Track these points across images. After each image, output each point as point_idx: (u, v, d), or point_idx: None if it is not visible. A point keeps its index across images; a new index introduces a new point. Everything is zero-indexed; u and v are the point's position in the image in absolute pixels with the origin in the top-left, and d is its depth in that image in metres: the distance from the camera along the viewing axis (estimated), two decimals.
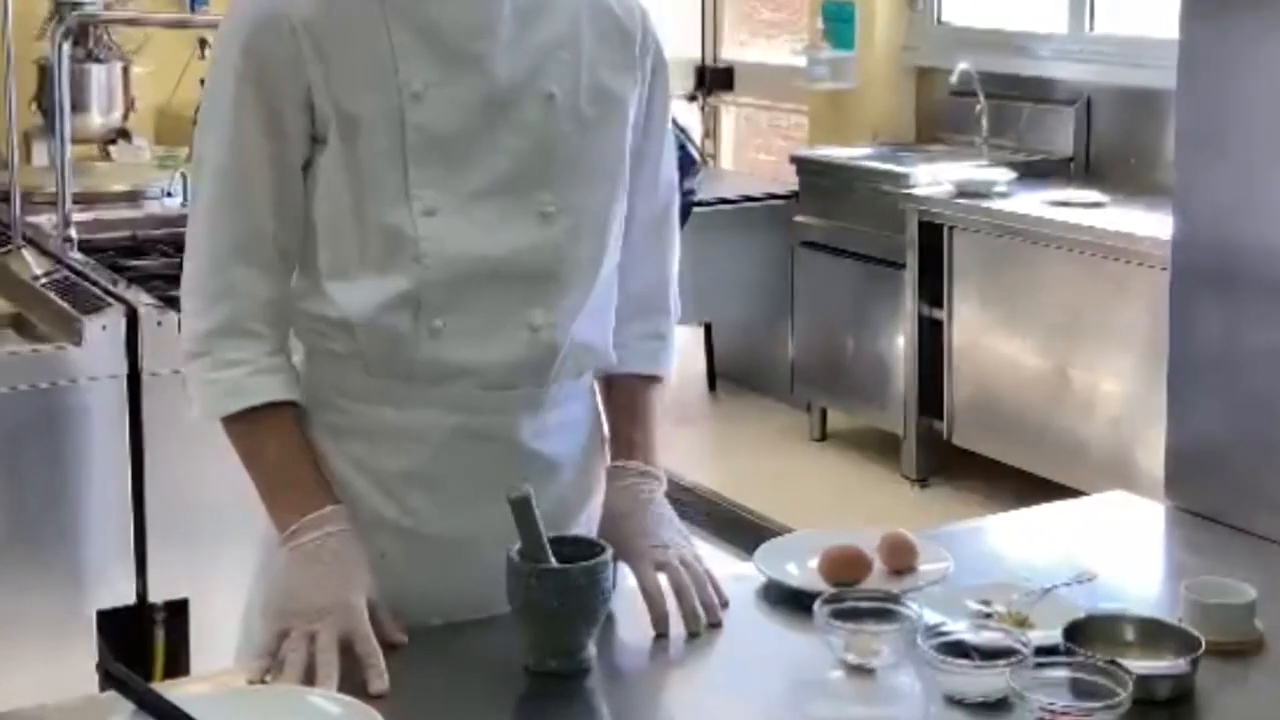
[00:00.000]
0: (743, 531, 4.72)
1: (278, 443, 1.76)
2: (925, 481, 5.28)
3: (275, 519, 1.74)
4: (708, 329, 6.43)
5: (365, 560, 1.72)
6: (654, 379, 1.94)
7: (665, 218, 1.95)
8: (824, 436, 5.82)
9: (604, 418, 1.92)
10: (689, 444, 5.69)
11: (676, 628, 1.76)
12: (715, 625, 1.78)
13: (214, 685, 1.70)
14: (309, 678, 1.61)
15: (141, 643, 3.12)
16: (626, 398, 1.92)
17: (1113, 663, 1.57)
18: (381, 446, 1.78)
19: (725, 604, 1.80)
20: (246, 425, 1.76)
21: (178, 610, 3.12)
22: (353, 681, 1.60)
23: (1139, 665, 1.59)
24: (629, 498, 1.85)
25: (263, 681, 1.63)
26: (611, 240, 1.84)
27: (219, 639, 2.01)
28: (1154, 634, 1.69)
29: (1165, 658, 1.64)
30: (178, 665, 3.10)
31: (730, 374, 6.53)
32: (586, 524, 1.86)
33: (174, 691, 1.56)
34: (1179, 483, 2.20)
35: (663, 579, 1.78)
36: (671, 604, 1.77)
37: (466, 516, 1.78)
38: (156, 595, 3.09)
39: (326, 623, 1.64)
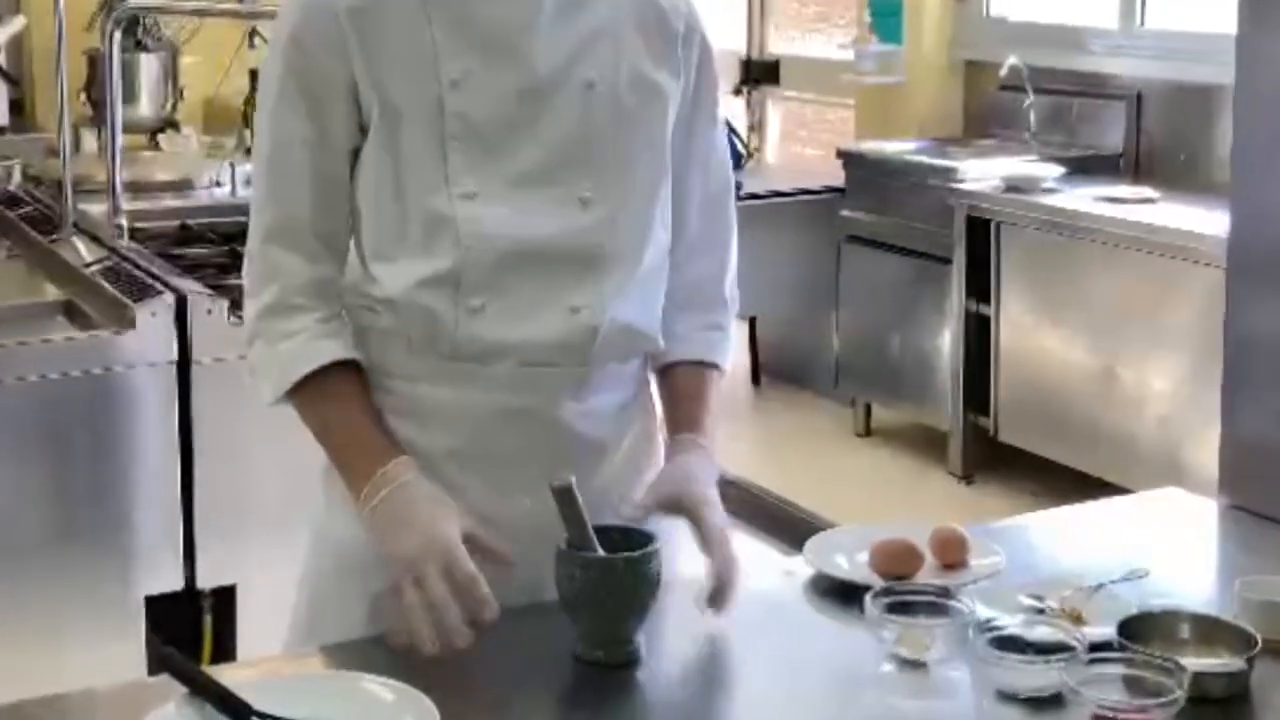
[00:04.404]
0: (787, 527, 4.70)
1: (341, 411, 1.77)
2: (971, 478, 5.25)
3: (351, 489, 1.74)
4: (752, 323, 6.41)
5: (442, 495, 1.71)
6: (713, 366, 1.92)
7: (721, 207, 1.94)
8: (868, 432, 5.80)
9: (660, 405, 1.90)
10: (733, 439, 5.61)
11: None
12: (714, 608, 1.73)
13: (262, 671, 1.71)
14: (439, 628, 1.61)
15: (189, 628, 3.14)
16: (686, 381, 1.90)
17: (1168, 659, 1.56)
18: (427, 426, 1.79)
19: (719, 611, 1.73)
20: (312, 395, 1.77)
21: (225, 596, 3.14)
22: (404, 668, 1.61)
23: (1194, 662, 1.57)
24: (696, 459, 1.81)
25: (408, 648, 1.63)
26: (655, 228, 1.83)
27: (266, 625, 2.01)
28: (1209, 631, 1.67)
29: (1220, 655, 1.63)
30: (224, 651, 3.12)
31: (775, 369, 6.52)
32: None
33: (223, 677, 1.57)
34: (1233, 480, 2.18)
35: None
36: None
37: (514, 498, 1.78)
38: (205, 581, 3.11)
39: (426, 568, 1.63)
